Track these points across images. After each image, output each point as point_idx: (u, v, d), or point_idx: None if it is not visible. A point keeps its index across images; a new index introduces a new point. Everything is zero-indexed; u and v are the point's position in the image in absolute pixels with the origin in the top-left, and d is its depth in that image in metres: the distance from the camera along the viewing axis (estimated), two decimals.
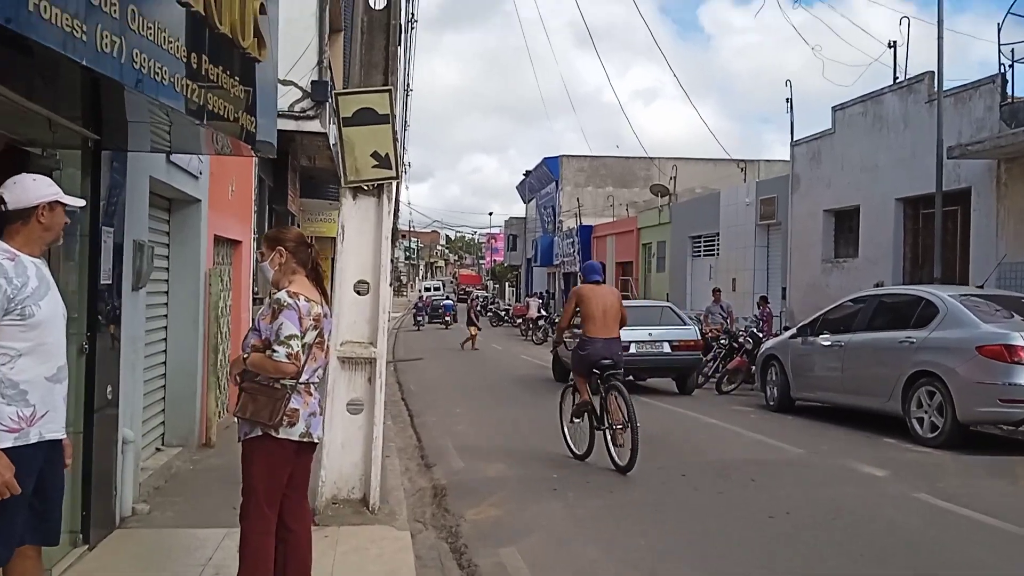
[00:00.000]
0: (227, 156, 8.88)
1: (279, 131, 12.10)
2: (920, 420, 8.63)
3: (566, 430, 8.13)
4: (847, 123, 17.50)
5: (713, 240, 24.49)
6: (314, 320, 3.78)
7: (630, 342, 12.74)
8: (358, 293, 5.99)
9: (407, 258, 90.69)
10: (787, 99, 20.08)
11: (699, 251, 25.79)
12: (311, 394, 3.82)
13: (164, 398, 8.00)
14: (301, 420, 3.73)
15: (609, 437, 7.45)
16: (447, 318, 38.21)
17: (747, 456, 7.86)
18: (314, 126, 12.01)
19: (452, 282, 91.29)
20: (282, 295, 3.74)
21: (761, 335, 13.49)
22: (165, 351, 7.99)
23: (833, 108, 18.06)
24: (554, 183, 44.79)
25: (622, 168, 44.25)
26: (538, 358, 21.26)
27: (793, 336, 11.03)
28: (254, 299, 11.45)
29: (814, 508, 5.94)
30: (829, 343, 10.20)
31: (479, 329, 26.14)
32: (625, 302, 8.83)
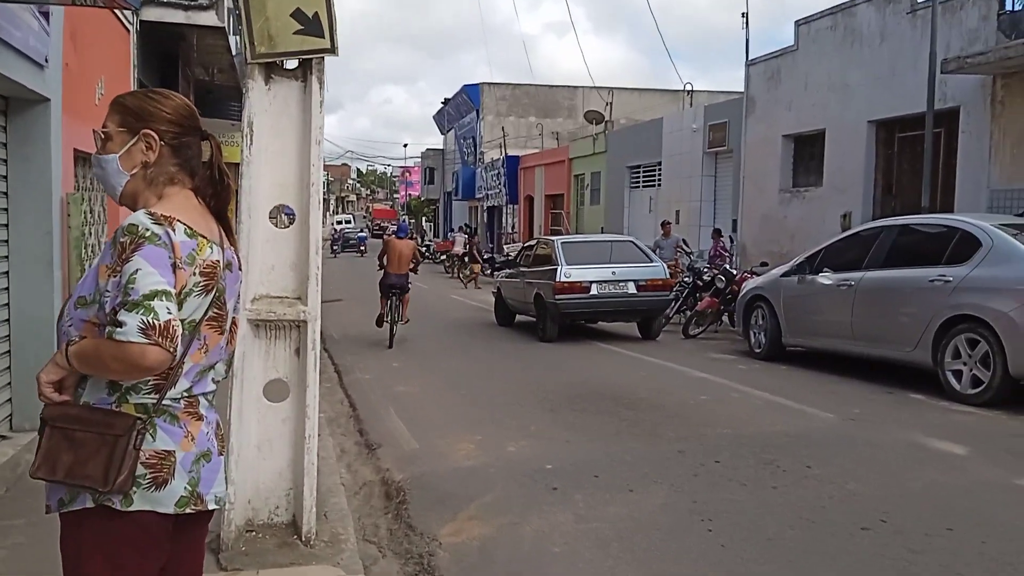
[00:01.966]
0: (87, 19, 6.63)
1: (163, 23, 9.80)
2: (957, 373, 7.28)
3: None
4: (812, 38, 15.98)
5: (654, 170, 22.98)
6: (205, 271, 1.91)
7: (590, 282, 11.12)
8: (276, 224, 4.05)
9: None
10: (742, 14, 18.45)
11: (638, 182, 24.26)
12: (200, 416, 1.96)
13: (9, 367, 5.93)
14: (179, 472, 1.87)
15: (395, 328, 11.60)
16: (361, 247, 45.12)
17: (774, 427, 6.32)
18: (209, 19, 9.70)
19: (366, 217, 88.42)
20: (139, 217, 1.85)
21: (735, 272, 12.01)
22: (7, 304, 5.87)
23: (796, 22, 16.51)
24: (474, 112, 42.50)
25: (545, 97, 42.25)
26: (471, 298, 19.51)
27: (786, 274, 9.53)
28: None
29: (911, 510, 4.42)
30: (835, 282, 8.74)
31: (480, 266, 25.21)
32: (574, 237, 12.41)
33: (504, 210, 36.71)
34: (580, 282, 11.09)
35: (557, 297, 11.05)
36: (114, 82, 8.07)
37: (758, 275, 11.60)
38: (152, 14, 9.28)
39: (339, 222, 63.61)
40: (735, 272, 11.96)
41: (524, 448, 5.88)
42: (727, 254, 13.47)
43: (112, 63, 8.03)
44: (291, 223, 4.08)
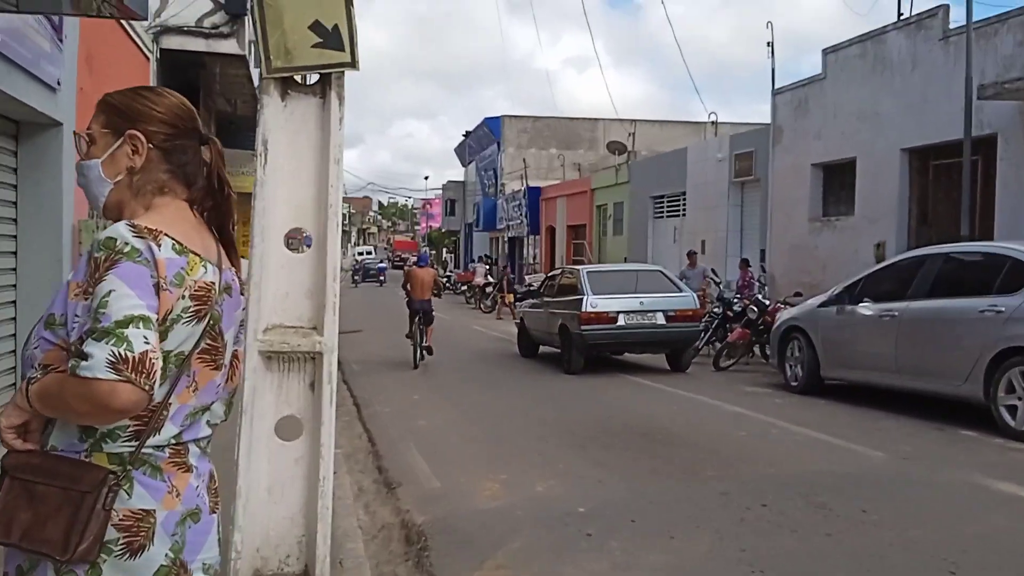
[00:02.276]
0: (104, 43, 6.45)
1: (183, 52, 9.69)
2: (1012, 408, 6.86)
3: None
4: (841, 67, 15.70)
5: (678, 200, 22.68)
6: (197, 294, 1.62)
7: (617, 313, 10.79)
8: (291, 249, 3.78)
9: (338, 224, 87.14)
10: (768, 43, 18.23)
11: (662, 212, 23.96)
12: (189, 467, 1.65)
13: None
14: (159, 536, 1.56)
15: (421, 349, 12.31)
16: (381, 278, 47.78)
17: (820, 466, 5.93)
18: (230, 47, 9.57)
19: (387, 248, 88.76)
20: (118, 229, 1.58)
21: (767, 303, 11.62)
22: (14, 335, 5.64)
23: (824, 51, 16.25)
24: (495, 144, 42.55)
25: (566, 129, 42.28)
26: (493, 329, 19.22)
27: (824, 304, 9.15)
28: None
29: (978, 559, 4.03)
30: (876, 313, 8.36)
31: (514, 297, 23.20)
32: (600, 266, 13.08)
33: (525, 241, 36.51)
34: (607, 312, 10.77)
35: (583, 328, 10.73)
36: None
37: (791, 305, 11.23)
38: (172, 42, 9.17)
39: (360, 253, 65.09)
40: (767, 302, 11.57)
41: (553, 488, 5.53)
42: (759, 284, 13.06)
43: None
44: (307, 247, 3.81)
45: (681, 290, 11.40)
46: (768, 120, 18.12)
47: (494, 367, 12.37)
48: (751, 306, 11.56)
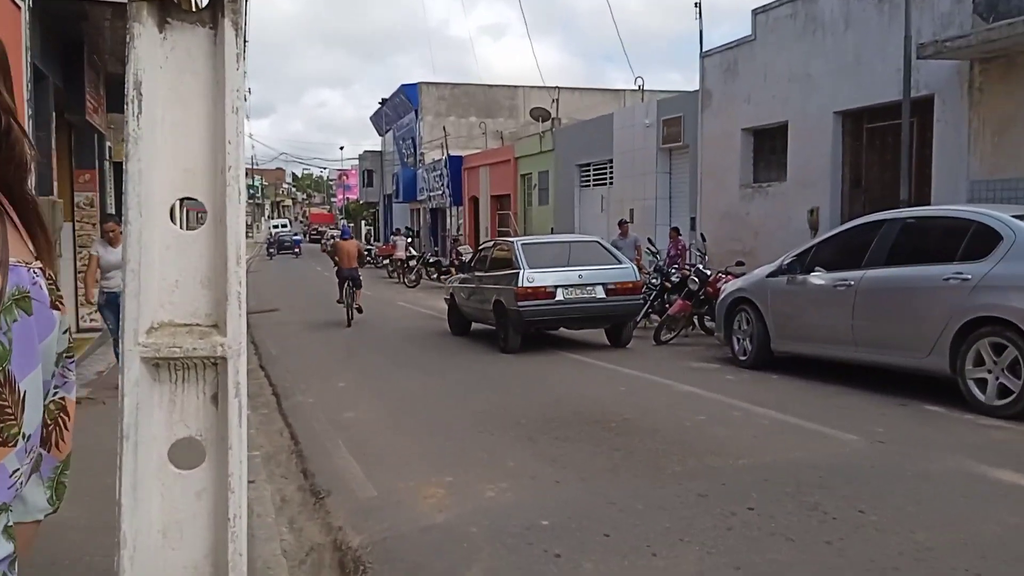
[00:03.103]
0: None
1: (59, 2, 8.48)
2: (981, 382, 6.50)
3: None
4: (771, 28, 15.31)
5: (605, 168, 22.16)
6: None
7: (555, 287, 10.15)
8: (178, 224, 2.95)
9: (251, 197, 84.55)
10: (695, 3, 17.77)
11: (588, 180, 23.42)
12: None
13: None
14: None
15: (351, 312, 14.24)
16: (296, 250, 49.60)
17: (795, 455, 5.41)
18: None
19: (302, 221, 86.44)
20: None
21: (708, 273, 11.14)
22: None
23: (754, 11, 15.81)
24: (413, 112, 41.39)
25: (486, 96, 41.39)
26: (419, 304, 18.39)
27: (773, 274, 8.69)
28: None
29: (1000, 566, 3.51)
30: (830, 282, 7.93)
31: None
32: (535, 238, 12.77)
33: (448, 212, 35.60)
34: (544, 287, 10.10)
35: (519, 304, 10.04)
36: None
37: (734, 275, 10.80)
38: None
39: (275, 226, 63.92)
40: (708, 273, 11.10)
41: (506, 493, 4.84)
42: (700, 253, 12.58)
43: None
44: (200, 222, 2.99)
45: (620, 262, 10.81)
46: (696, 86, 17.68)
47: (425, 347, 11.60)
48: (692, 277, 11.07)
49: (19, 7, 7.35)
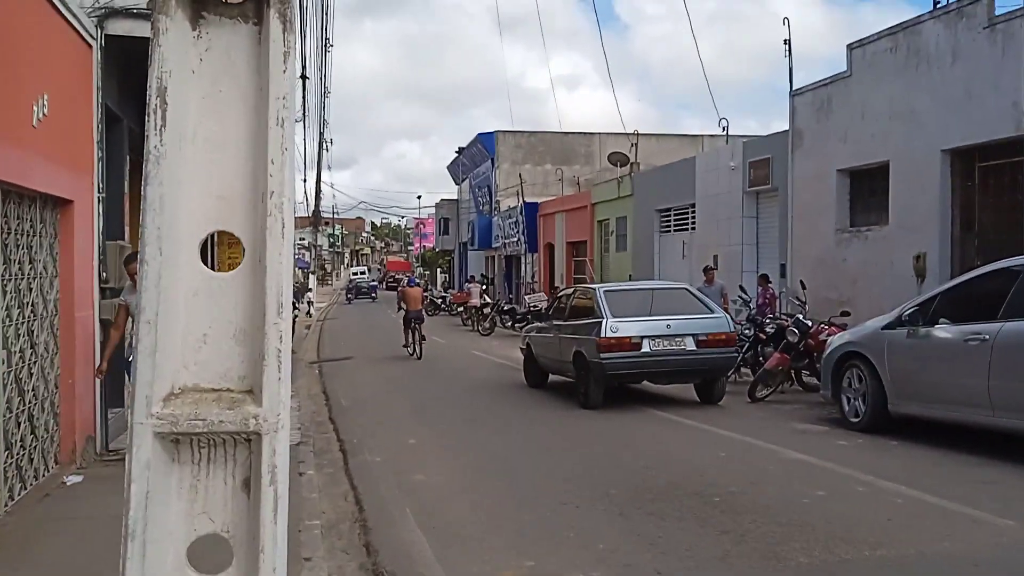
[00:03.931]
0: (11, 14, 5.06)
1: (134, 38, 8.29)
2: None
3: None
4: (868, 62, 14.42)
5: (686, 212, 21.36)
6: None
7: (641, 338, 9.39)
8: (209, 264, 2.38)
9: (331, 245, 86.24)
10: (785, 40, 17.01)
11: (668, 226, 22.63)
12: None
13: None
14: None
15: (417, 348, 16.51)
16: (373, 295, 53.89)
17: (943, 545, 4.53)
18: None
19: (380, 269, 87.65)
20: None
21: (809, 324, 10.20)
22: None
23: (849, 46, 14.97)
24: (489, 161, 41.42)
25: (562, 144, 41.20)
26: (493, 353, 17.78)
27: (889, 326, 7.77)
28: (102, 290, 7.64)
29: None
30: (959, 336, 6.99)
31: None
32: (619, 285, 12.24)
33: (523, 259, 35.16)
34: (629, 338, 9.35)
35: (602, 356, 9.31)
36: (68, 103, 6.53)
37: (838, 326, 9.86)
38: (120, 27, 7.77)
39: (354, 273, 69.29)
40: (809, 323, 10.17)
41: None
42: (799, 302, 11.59)
43: (64, 80, 6.49)
44: (237, 260, 2.43)
45: (712, 311, 9.99)
46: (785, 126, 16.84)
47: (499, 401, 10.94)
48: (791, 327, 10.15)
49: (90, 46, 7.15)
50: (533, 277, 33.09)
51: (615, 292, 10.29)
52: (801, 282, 11.50)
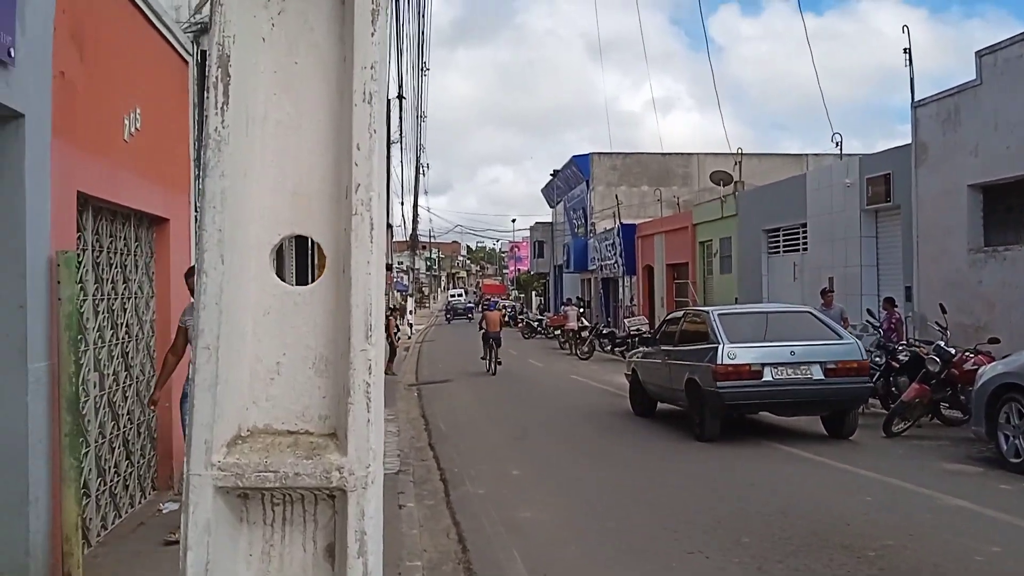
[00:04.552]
0: (106, 24, 4.82)
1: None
2: None
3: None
4: (1001, 70, 13.21)
5: (797, 232, 20.24)
6: None
7: (763, 365, 8.62)
8: (283, 276, 1.88)
9: (428, 268, 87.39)
10: (905, 49, 15.90)
11: (777, 246, 21.51)
12: None
13: None
14: None
15: (492, 365, 18.37)
16: (469, 315, 55.09)
17: None
18: None
19: (476, 292, 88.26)
20: None
21: (952, 352, 9.17)
22: None
23: (978, 53, 13.78)
24: (584, 183, 40.97)
25: (658, 165, 40.39)
26: (594, 378, 17.14)
27: None
28: None
29: None
30: None
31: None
32: (735, 308, 11.38)
33: (620, 282, 34.38)
34: (748, 365, 8.59)
35: (719, 384, 8.57)
36: (161, 119, 6.36)
37: (985, 355, 8.84)
38: None
39: (452, 295, 70.80)
40: (952, 351, 9.14)
41: None
42: (940, 327, 10.44)
43: (158, 95, 6.32)
44: (317, 274, 1.98)
45: (841, 336, 9.09)
46: (908, 139, 15.68)
47: (606, 430, 10.30)
48: (930, 355, 9.15)
49: (186, 62, 7.01)
50: (632, 300, 32.28)
51: (730, 315, 9.52)
52: (941, 305, 10.43)
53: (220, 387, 1.80)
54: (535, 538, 5.61)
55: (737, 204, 23.72)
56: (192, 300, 6.12)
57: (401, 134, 22.19)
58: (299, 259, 12.40)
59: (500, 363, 18.87)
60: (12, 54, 3.83)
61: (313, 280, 1.93)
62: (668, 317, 11.53)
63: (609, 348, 23.92)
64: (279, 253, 2.00)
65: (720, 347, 8.70)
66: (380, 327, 1.86)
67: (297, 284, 2.04)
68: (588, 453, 8.78)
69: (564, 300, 35.94)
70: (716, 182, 26.18)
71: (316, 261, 9.92)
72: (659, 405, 11.06)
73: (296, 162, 1.91)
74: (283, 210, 1.90)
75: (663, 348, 10.32)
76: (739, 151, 26.77)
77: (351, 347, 1.79)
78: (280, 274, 1.99)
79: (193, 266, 6.27)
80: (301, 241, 12.39)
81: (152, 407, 6.00)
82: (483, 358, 19.19)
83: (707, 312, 9.59)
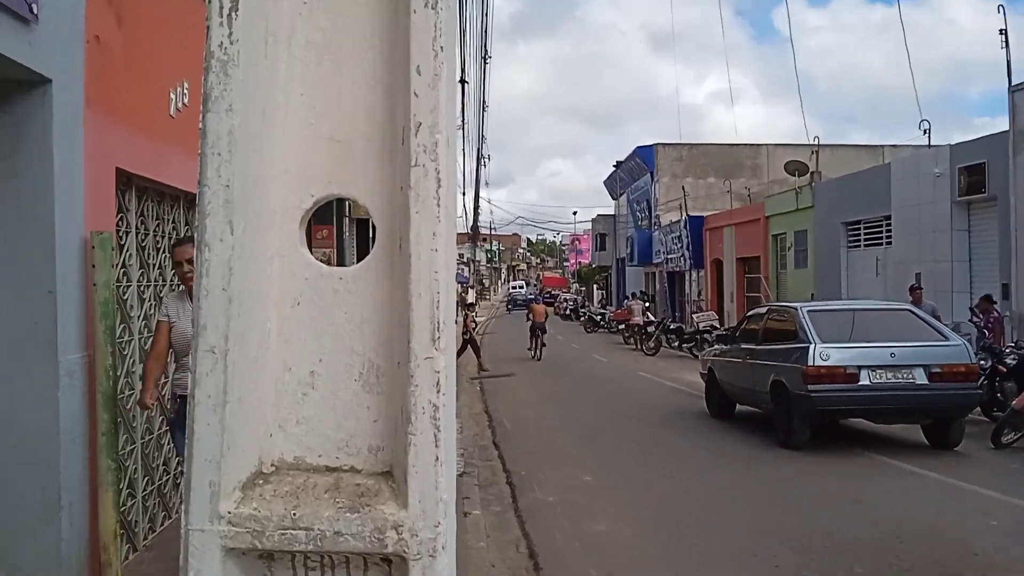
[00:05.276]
0: None
1: None
2: None
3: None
4: None
5: (880, 225, 19.15)
6: None
7: (859, 368, 7.88)
8: (320, 255, 1.35)
9: (489, 261, 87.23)
10: (1000, 31, 14.82)
11: (858, 240, 20.42)
12: None
13: None
14: None
15: (538, 351, 19.98)
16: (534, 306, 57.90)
17: None
18: None
19: (536, 285, 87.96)
20: None
21: None
22: None
23: None
24: (648, 174, 40.00)
25: (726, 156, 39.17)
26: (662, 376, 16.43)
27: None
28: None
29: None
30: None
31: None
32: (826, 304, 10.23)
33: (687, 275, 33.41)
34: (843, 368, 7.84)
35: (810, 388, 7.84)
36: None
37: None
38: None
39: (513, 287, 73.19)
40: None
41: None
42: (1000, 324, 9.46)
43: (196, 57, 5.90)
44: (365, 251, 1.44)
45: (946, 337, 8.26)
46: (1005, 126, 14.55)
47: (680, 433, 9.65)
48: None
49: None
50: (700, 295, 31.33)
51: (821, 312, 8.74)
52: (977, 305, 9.50)
53: (231, 406, 1.29)
54: (614, 556, 5.05)
55: (813, 195, 22.66)
56: (176, 286, 4.73)
57: (464, 121, 21.80)
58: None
59: (545, 345, 20.61)
60: (35, 11, 3.41)
61: (359, 259, 1.41)
62: (750, 313, 10.77)
63: (677, 344, 23.10)
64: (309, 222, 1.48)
65: (811, 347, 7.96)
66: (450, 325, 1.33)
67: (333, 266, 1.52)
68: (664, 458, 8.16)
69: (628, 294, 35.15)
70: (791, 172, 25.06)
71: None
72: (738, 407, 10.35)
73: (334, 97, 1.38)
74: (317, 162, 1.38)
75: (744, 346, 9.60)
76: (815, 140, 25.59)
77: (411, 354, 1.26)
78: (312, 250, 1.47)
79: (184, 236, 4.96)
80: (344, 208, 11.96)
81: (145, 408, 4.39)
82: (529, 348, 20.72)
83: (795, 308, 8.83)
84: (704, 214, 32.03)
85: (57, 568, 3.79)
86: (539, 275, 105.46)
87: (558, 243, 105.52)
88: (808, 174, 23.99)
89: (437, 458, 1.24)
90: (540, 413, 11.50)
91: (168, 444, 5.50)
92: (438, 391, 1.25)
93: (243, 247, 1.28)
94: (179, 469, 5.70)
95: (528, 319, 21.77)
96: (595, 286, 60.54)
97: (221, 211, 1.26)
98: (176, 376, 4.15)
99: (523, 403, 12.48)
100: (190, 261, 3.58)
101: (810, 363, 7.87)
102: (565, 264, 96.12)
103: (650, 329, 24.40)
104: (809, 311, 8.63)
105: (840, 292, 20.21)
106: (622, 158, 43.94)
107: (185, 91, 5.27)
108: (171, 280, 5.48)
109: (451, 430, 1.33)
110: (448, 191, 1.33)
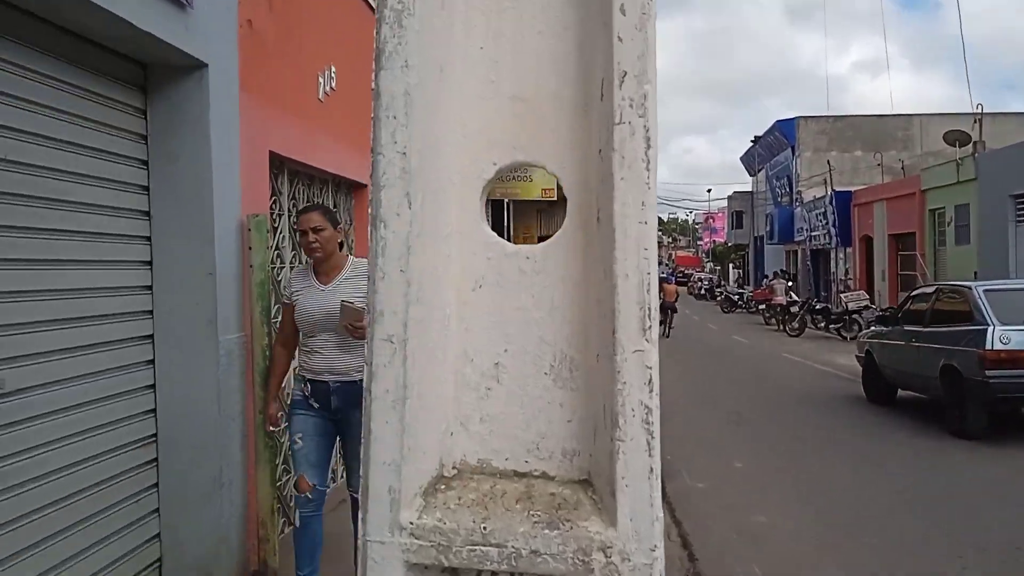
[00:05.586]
0: None
1: None
2: None
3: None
4: None
5: None
6: None
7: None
8: (502, 231, 1.17)
9: None
10: None
11: None
12: None
13: (156, 485, 3.78)
14: None
15: (667, 329, 20.30)
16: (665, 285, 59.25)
17: None
18: None
19: (669, 264, 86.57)
20: None
21: None
22: (153, 386, 3.71)
23: None
24: (789, 149, 38.21)
25: (874, 128, 36.85)
26: (810, 358, 15.64)
27: None
28: None
29: None
30: None
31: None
32: (1005, 283, 9.48)
33: (833, 253, 31.78)
34: None
35: (988, 373, 7.17)
36: (356, 79, 5.94)
37: None
38: None
39: None
40: None
41: None
42: None
43: (352, 53, 5.92)
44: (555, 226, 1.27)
45: None
46: None
47: (832, 418, 9.10)
48: None
49: (373, 11, 6.58)
50: (847, 273, 29.74)
51: (1000, 292, 7.96)
52: None
53: (411, 402, 1.15)
54: (776, 551, 4.74)
55: (977, 167, 20.94)
56: (297, 262, 4.63)
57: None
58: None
59: (673, 327, 21.25)
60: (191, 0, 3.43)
61: (549, 235, 1.24)
62: (914, 293, 9.99)
63: (823, 325, 22.00)
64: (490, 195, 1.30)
65: (989, 329, 7.27)
66: (656, 310, 1.13)
67: (521, 244, 1.35)
68: (821, 445, 7.68)
69: (768, 273, 33.84)
70: (951, 143, 23.24)
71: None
72: (900, 392, 9.65)
73: (517, 48, 1.20)
74: (499, 125, 1.21)
75: (908, 328, 8.92)
76: (979, 107, 23.61)
77: (617, 346, 1.07)
78: (496, 228, 1.31)
79: (310, 204, 4.69)
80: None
81: (272, 426, 4.02)
82: (660, 323, 23.65)
83: (970, 288, 8.08)
84: (851, 189, 30.31)
85: (218, 544, 3.88)
86: (671, 254, 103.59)
87: (691, 221, 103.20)
88: (970, 144, 22.19)
89: (651, 469, 1.05)
90: (683, 394, 11.13)
91: None
92: (650, 390, 1.07)
93: (422, 223, 1.12)
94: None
95: (660, 298, 23.96)
96: (731, 265, 58.74)
97: (398, 182, 1.11)
98: (303, 358, 3.76)
99: (664, 383, 11.57)
100: (316, 230, 3.56)
101: (988, 347, 7.19)
102: (698, 243, 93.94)
103: (794, 309, 23.38)
104: (986, 291, 7.88)
105: (1008, 271, 18.62)
106: (760, 133, 42.29)
107: (332, 75, 5.29)
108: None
109: (655, 436, 1.14)
110: (652, 147, 1.13)
